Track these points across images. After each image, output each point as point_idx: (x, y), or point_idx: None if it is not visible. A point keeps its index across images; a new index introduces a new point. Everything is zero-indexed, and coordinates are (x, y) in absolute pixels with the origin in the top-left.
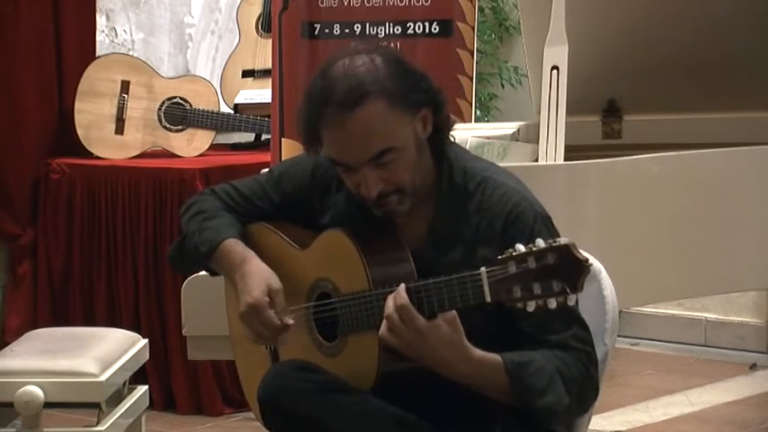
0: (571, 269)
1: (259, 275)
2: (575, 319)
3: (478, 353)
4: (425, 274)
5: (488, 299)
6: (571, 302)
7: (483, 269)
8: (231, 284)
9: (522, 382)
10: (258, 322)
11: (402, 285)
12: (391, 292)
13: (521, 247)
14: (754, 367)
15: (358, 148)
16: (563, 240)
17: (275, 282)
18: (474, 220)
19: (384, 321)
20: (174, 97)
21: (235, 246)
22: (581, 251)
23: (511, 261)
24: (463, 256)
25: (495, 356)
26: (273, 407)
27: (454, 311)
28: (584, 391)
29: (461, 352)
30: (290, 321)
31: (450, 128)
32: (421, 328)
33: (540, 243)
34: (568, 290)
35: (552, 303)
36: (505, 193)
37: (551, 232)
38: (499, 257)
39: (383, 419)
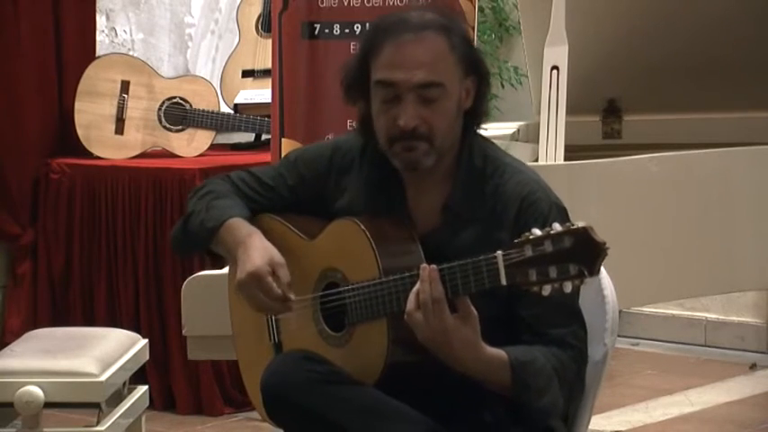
0: (589, 252)
1: (262, 248)
2: (576, 317)
3: (488, 351)
4: (438, 255)
5: (504, 282)
6: (586, 285)
7: (499, 252)
8: (233, 261)
9: (523, 382)
10: (258, 289)
11: (435, 273)
12: (401, 279)
13: (537, 231)
14: (754, 367)
15: (413, 68)
16: (580, 223)
17: (278, 256)
18: (489, 202)
19: (412, 300)
20: (174, 97)
21: (240, 223)
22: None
23: (527, 244)
24: (476, 238)
25: (502, 354)
26: (276, 397)
27: (475, 312)
28: (574, 389)
29: (476, 352)
30: (293, 297)
31: (484, 116)
32: (447, 327)
33: (557, 226)
34: (586, 272)
35: (568, 287)
36: (522, 179)
37: (566, 222)
38: (515, 241)
39: (387, 412)
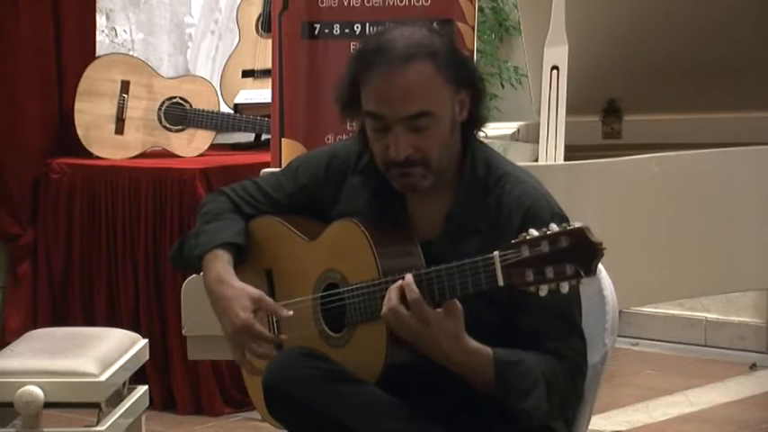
0: (585, 252)
1: (237, 296)
2: (574, 329)
3: (473, 344)
4: (439, 264)
5: (501, 283)
6: (583, 285)
7: (496, 253)
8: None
9: (506, 380)
10: (250, 340)
11: (409, 277)
12: (400, 279)
13: (534, 232)
14: (754, 367)
15: (399, 102)
16: (577, 224)
17: (254, 291)
18: (492, 213)
19: (387, 308)
20: (174, 97)
21: (216, 261)
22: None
23: (524, 245)
24: (478, 249)
25: (487, 350)
26: (278, 394)
27: (460, 306)
28: (567, 400)
29: (460, 343)
30: (289, 313)
31: (482, 123)
32: (430, 320)
33: (554, 227)
34: (582, 273)
35: (565, 287)
36: (525, 190)
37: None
38: (512, 241)
39: (388, 410)
